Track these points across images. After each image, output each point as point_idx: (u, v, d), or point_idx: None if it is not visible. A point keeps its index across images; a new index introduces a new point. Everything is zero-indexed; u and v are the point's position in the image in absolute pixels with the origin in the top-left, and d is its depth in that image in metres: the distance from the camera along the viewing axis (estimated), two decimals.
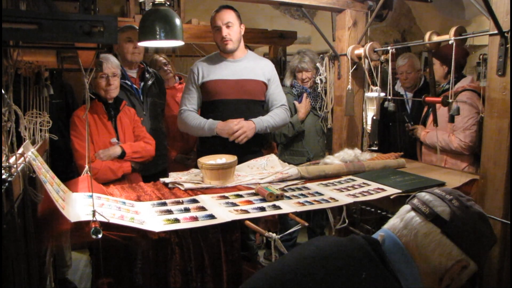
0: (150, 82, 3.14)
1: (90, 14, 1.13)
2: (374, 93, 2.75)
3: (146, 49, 4.29)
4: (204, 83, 2.76)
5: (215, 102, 2.76)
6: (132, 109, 2.85)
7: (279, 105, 2.89)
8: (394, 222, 1.14)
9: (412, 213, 1.12)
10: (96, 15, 1.07)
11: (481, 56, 2.53)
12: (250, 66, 2.79)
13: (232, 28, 2.69)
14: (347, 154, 2.53)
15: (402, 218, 1.13)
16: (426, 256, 1.06)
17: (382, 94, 2.76)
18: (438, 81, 3.20)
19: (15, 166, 1.23)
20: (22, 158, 1.40)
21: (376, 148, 3.38)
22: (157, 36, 2.01)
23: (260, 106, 2.89)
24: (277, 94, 2.92)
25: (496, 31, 1.87)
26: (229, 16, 2.67)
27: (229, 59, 2.79)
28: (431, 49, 2.40)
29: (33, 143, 1.84)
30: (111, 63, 2.61)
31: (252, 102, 2.77)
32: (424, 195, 1.14)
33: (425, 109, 3.29)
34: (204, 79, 2.76)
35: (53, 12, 1.07)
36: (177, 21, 2.05)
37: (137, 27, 2.94)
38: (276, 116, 2.83)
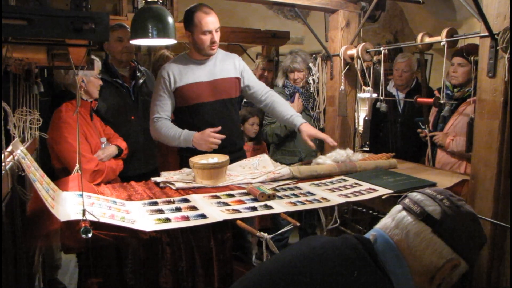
0: (141, 81, 3.12)
1: (81, 11, 1.12)
2: (367, 93, 2.76)
3: (138, 48, 4.27)
4: (178, 88, 2.63)
5: (192, 107, 2.66)
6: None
7: (268, 91, 2.86)
8: (385, 222, 1.15)
9: (404, 213, 1.12)
10: (87, 12, 1.05)
11: (472, 58, 2.53)
12: (220, 64, 2.73)
13: (219, 33, 2.62)
14: (339, 154, 2.53)
15: (393, 218, 1.13)
16: (417, 255, 1.07)
17: (374, 95, 2.77)
18: (457, 84, 3.03)
19: (3, 164, 1.22)
20: (11, 156, 1.38)
21: (368, 149, 3.39)
22: (149, 34, 2.00)
23: (236, 103, 2.85)
24: (258, 82, 2.90)
25: (486, 33, 1.88)
26: (217, 20, 2.58)
27: (199, 60, 2.69)
28: (423, 50, 2.41)
29: (23, 141, 1.82)
30: (98, 62, 2.61)
31: (229, 101, 2.73)
32: (415, 195, 1.15)
33: (434, 114, 3.23)
34: (177, 84, 2.63)
35: (44, 7, 1.05)
36: (170, 19, 2.04)
37: (128, 26, 2.94)
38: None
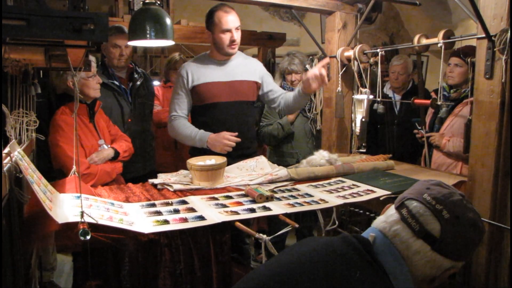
0: (138, 83, 3.12)
1: (80, 11, 1.11)
2: (363, 95, 2.77)
3: (135, 49, 4.26)
4: (195, 87, 2.65)
5: (207, 106, 2.67)
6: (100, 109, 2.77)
7: (283, 92, 2.86)
8: (384, 226, 1.11)
9: (401, 226, 1.08)
10: (86, 12, 1.05)
11: (469, 60, 2.54)
12: (241, 67, 2.74)
13: (239, 32, 2.63)
14: (319, 156, 2.48)
15: (390, 227, 1.10)
16: (417, 269, 1.06)
17: (371, 97, 2.78)
18: (454, 84, 3.02)
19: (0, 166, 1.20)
20: (8, 158, 1.37)
21: (364, 150, 3.39)
22: (148, 36, 2.00)
23: (253, 107, 2.85)
24: (275, 86, 2.90)
25: (483, 35, 1.89)
26: (237, 19, 2.59)
27: (219, 60, 2.70)
28: (419, 52, 2.42)
29: (19, 143, 1.80)
30: (93, 62, 2.55)
31: (245, 103, 2.73)
32: (414, 206, 1.08)
33: (430, 115, 3.23)
34: (195, 83, 2.65)
35: (43, 8, 1.04)
36: (168, 21, 2.04)
37: (125, 28, 2.92)
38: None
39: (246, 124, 2.75)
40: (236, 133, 2.52)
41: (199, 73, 2.66)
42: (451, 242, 1.04)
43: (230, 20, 2.56)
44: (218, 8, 2.57)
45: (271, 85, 2.86)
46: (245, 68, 2.75)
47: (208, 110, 2.67)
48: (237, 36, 2.61)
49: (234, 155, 2.48)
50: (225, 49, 2.62)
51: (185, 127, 2.62)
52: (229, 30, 2.56)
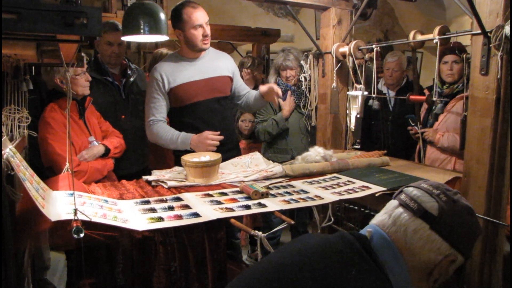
0: (132, 79, 3.08)
1: (72, 5, 1.09)
2: (358, 91, 2.76)
3: (128, 45, 4.22)
4: (172, 89, 2.60)
5: (188, 106, 2.63)
6: (91, 105, 2.72)
7: (248, 89, 2.92)
8: (382, 218, 1.13)
9: (400, 209, 1.11)
10: (79, 6, 1.02)
11: (464, 56, 2.54)
12: (214, 62, 2.71)
13: (209, 27, 2.59)
14: (314, 153, 2.49)
15: (390, 215, 1.12)
16: (416, 252, 1.06)
17: (365, 93, 2.77)
18: (453, 81, 2.98)
19: None
20: None
21: (359, 146, 3.39)
22: (141, 31, 1.97)
23: (229, 101, 2.86)
24: (243, 83, 2.95)
25: (479, 31, 1.89)
26: (206, 14, 2.56)
27: (192, 59, 2.66)
28: (415, 48, 2.42)
29: (11, 139, 1.78)
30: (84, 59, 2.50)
31: (223, 99, 2.73)
32: (412, 190, 1.13)
33: (424, 111, 3.23)
34: (172, 85, 2.59)
35: (34, 1, 1.02)
36: (162, 16, 2.02)
37: (118, 25, 2.89)
38: None
39: (226, 118, 2.77)
40: (219, 132, 2.51)
41: (175, 75, 2.60)
42: (448, 223, 1.06)
43: (200, 15, 2.51)
44: (186, 5, 2.51)
45: (240, 80, 2.90)
46: (218, 63, 2.73)
47: (189, 110, 2.64)
48: (209, 30, 2.57)
49: (217, 150, 2.45)
50: (199, 45, 2.57)
51: (165, 131, 2.57)
52: (200, 25, 2.52)
